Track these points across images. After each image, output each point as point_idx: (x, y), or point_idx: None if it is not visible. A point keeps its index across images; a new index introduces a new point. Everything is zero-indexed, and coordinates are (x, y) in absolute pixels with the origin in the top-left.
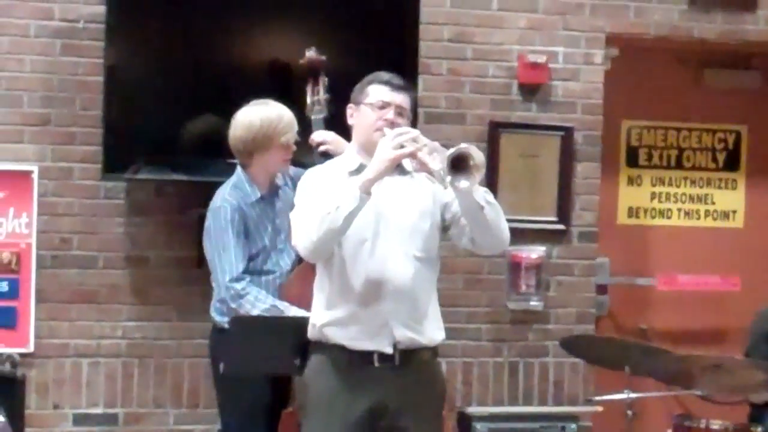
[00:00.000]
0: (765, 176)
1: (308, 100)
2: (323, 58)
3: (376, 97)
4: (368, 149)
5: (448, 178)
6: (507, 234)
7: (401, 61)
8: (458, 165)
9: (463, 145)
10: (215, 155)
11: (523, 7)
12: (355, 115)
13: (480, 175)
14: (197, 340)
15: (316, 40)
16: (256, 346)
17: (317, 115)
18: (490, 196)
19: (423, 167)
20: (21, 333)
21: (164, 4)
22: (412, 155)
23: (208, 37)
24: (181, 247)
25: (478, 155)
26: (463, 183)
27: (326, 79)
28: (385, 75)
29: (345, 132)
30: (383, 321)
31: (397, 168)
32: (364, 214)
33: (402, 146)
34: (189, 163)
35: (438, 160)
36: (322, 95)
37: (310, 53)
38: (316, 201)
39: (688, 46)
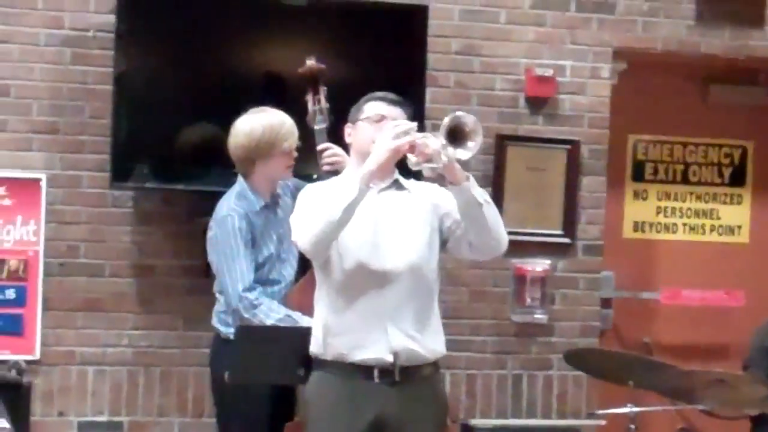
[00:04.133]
0: None
1: (309, 109)
2: (323, 66)
3: (373, 111)
4: None
5: (449, 150)
6: (505, 237)
7: (409, 73)
8: (455, 136)
9: (456, 114)
10: (223, 164)
11: (531, 21)
12: (352, 134)
13: (478, 140)
14: (203, 349)
15: (324, 52)
16: (260, 355)
17: (320, 125)
18: (487, 197)
19: (423, 156)
20: (27, 340)
21: (173, 14)
22: (411, 143)
23: (217, 47)
24: (188, 256)
25: (471, 120)
26: (463, 153)
27: (326, 88)
28: (380, 93)
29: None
30: (382, 331)
31: (395, 184)
32: (363, 226)
33: (400, 137)
34: (197, 173)
35: (435, 142)
36: (324, 104)
37: (310, 62)
38: (317, 203)
39: (695, 62)
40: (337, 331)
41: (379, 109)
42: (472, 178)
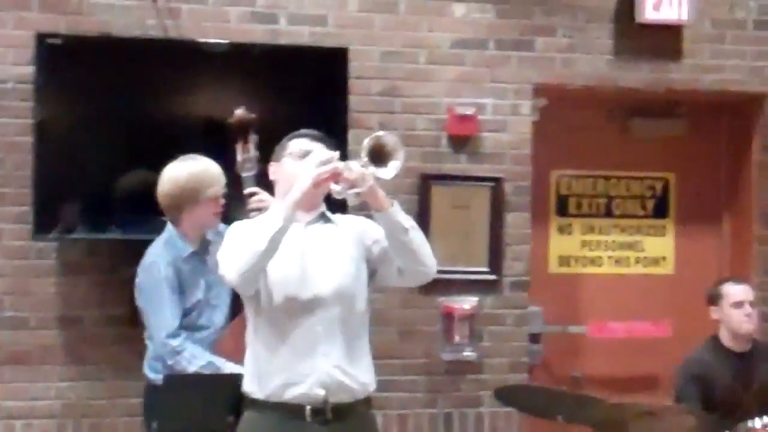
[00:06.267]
0: (693, 222)
1: (239, 158)
2: (253, 116)
3: (297, 147)
4: None
5: (372, 170)
6: (433, 262)
7: (332, 115)
8: (377, 156)
9: (376, 134)
10: (148, 212)
11: (450, 60)
12: (277, 171)
13: (399, 159)
14: (132, 399)
15: (246, 96)
16: (188, 403)
17: (248, 172)
18: (413, 222)
19: (346, 182)
20: None
21: (92, 63)
22: (333, 171)
23: (139, 94)
24: (114, 306)
25: (391, 139)
26: (385, 172)
27: (256, 136)
28: (303, 130)
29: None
30: (313, 365)
31: (322, 217)
32: (291, 259)
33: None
34: (121, 221)
35: (357, 166)
36: (253, 153)
37: (240, 111)
38: (243, 236)
39: (615, 96)
40: (268, 368)
41: (302, 145)
42: (396, 204)
